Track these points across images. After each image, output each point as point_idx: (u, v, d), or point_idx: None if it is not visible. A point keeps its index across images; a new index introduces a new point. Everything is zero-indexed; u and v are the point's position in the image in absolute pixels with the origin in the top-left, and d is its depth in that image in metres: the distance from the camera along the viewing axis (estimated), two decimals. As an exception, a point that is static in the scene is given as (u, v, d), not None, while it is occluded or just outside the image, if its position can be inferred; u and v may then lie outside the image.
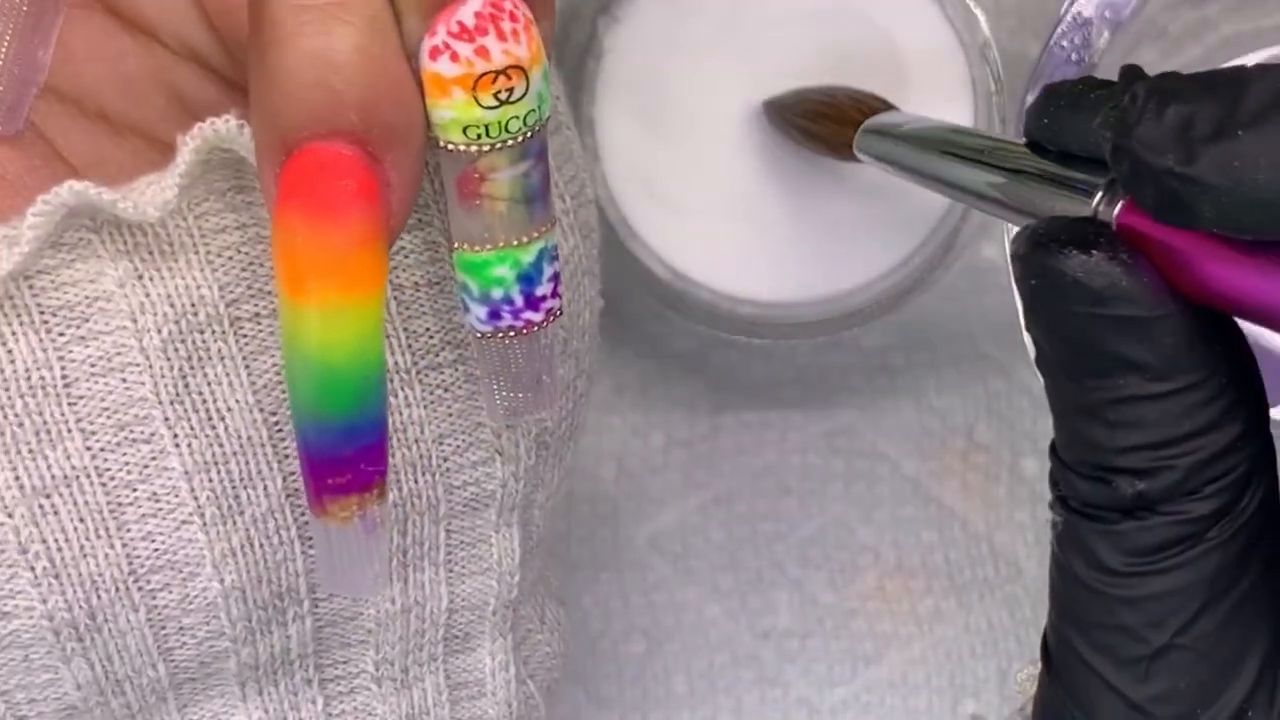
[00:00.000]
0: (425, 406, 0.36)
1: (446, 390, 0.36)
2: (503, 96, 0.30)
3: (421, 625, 0.38)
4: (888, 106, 0.44)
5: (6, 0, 0.32)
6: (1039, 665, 0.34)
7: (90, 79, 0.36)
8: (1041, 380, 0.34)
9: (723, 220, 0.48)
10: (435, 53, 0.30)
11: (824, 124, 0.44)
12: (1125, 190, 0.31)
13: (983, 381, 0.51)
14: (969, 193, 0.36)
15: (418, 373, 0.35)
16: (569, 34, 0.47)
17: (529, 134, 0.31)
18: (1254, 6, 0.45)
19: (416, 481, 0.36)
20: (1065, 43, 0.42)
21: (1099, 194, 0.32)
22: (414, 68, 0.31)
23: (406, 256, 0.35)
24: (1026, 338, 0.43)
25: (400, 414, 0.35)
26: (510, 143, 0.31)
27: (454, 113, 0.31)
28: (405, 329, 0.35)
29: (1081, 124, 0.32)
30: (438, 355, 0.35)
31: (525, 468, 0.37)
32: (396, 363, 0.35)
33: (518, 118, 0.31)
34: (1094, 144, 0.32)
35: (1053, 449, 0.33)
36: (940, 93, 0.47)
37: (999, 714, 0.50)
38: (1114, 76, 0.32)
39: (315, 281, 0.30)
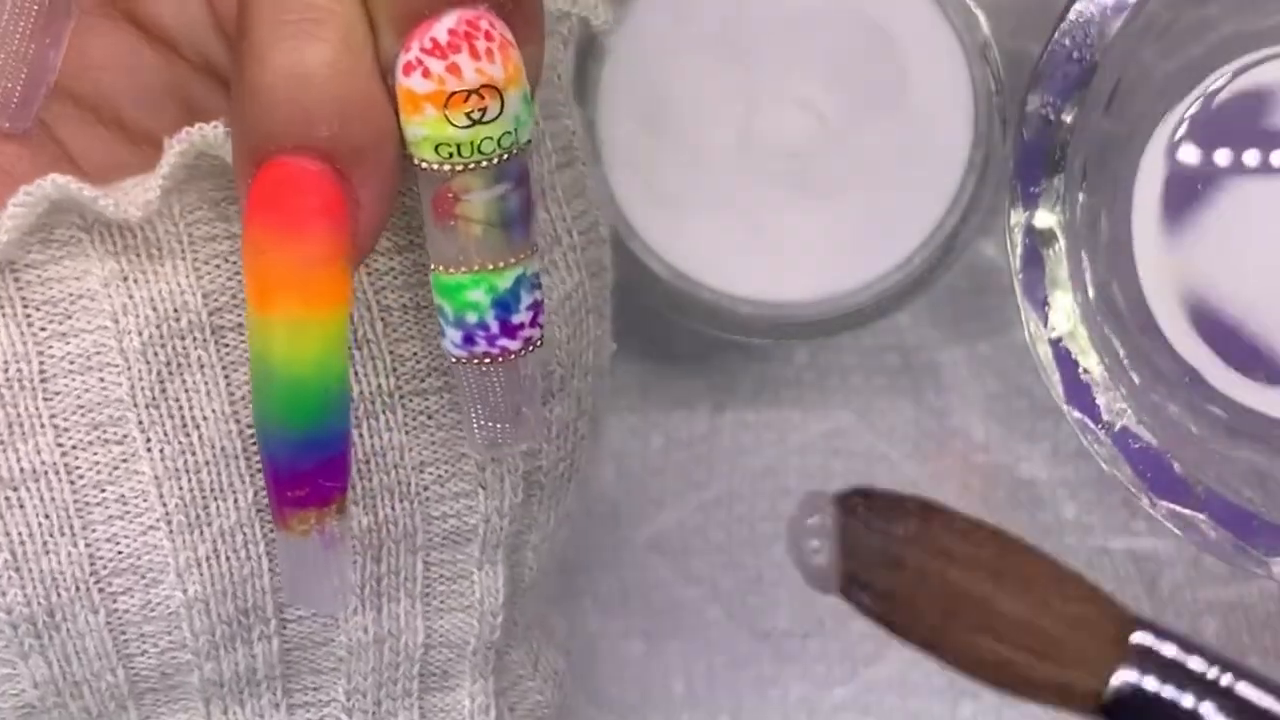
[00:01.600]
0: (407, 432, 0.35)
1: (430, 417, 0.36)
2: (475, 116, 0.30)
3: (396, 658, 0.37)
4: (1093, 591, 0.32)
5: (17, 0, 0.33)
6: None
7: (108, 86, 0.36)
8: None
9: (723, 220, 0.48)
10: (409, 69, 0.30)
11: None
12: None
13: (982, 382, 0.51)
14: None
15: (401, 397, 0.35)
16: (569, 34, 0.47)
17: (504, 156, 0.31)
18: (1254, 6, 0.45)
19: (393, 508, 0.36)
20: (1066, 41, 0.42)
21: None
22: (389, 84, 0.31)
23: (395, 279, 0.35)
24: (1027, 337, 0.43)
25: (380, 438, 0.35)
26: (484, 164, 0.31)
27: (426, 130, 0.31)
28: (391, 352, 0.35)
29: None
30: (423, 381, 0.35)
31: (511, 504, 0.37)
32: (380, 385, 0.35)
33: (491, 138, 0.31)
34: None
35: None
36: (940, 93, 0.47)
37: (998, 714, 0.50)
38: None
39: (279, 296, 0.30)
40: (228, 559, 0.35)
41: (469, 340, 0.32)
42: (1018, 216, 0.43)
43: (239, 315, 0.34)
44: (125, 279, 0.33)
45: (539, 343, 0.33)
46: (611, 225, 0.42)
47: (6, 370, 0.33)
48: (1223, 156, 0.45)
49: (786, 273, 0.48)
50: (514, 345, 0.32)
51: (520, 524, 0.38)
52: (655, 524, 0.51)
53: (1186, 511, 0.43)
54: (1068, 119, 0.42)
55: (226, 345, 0.34)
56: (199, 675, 0.35)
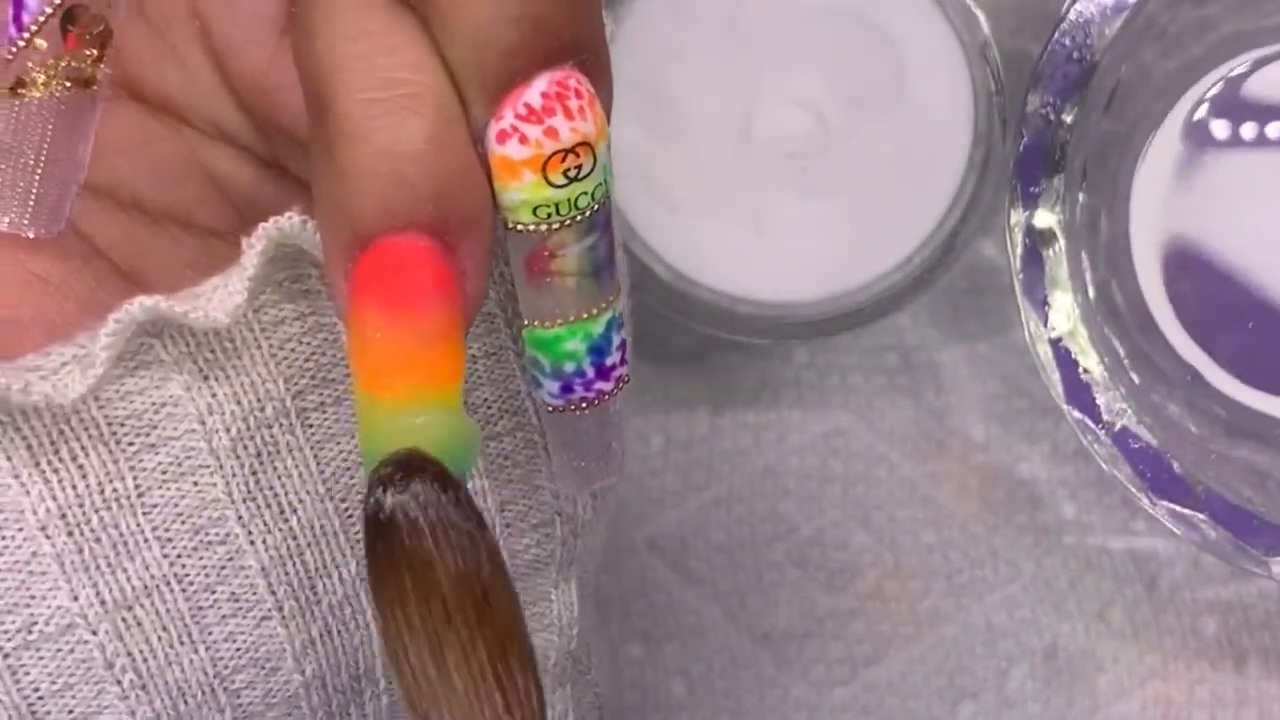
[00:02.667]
0: (488, 476, 0.36)
1: (507, 458, 0.36)
2: (572, 174, 0.30)
3: None
4: None
5: (43, 98, 0.32)
6: None
7: (121, 169, 0.35)
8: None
9: (723, 220, 0.48)
10: (503, 136, 0.30)
11: None
12: None
13: (982, 383, 0.51)
14: None
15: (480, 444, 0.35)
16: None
17: (597, 208, 0.31)
18: (1254, 6, 0.45)
19: None
20: (1066, 41, 0.42)
21: None
22: (479, 152, 0.30)
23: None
24: (1027, 337, 0.43)
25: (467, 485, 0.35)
26: (579, 218, 0.31)
27: (524, 195, 0.30)
28: (466, 401, 0.35)
29: None
30: (497, 424, 0.35)
31: (581, 523, 0.37)
32: None
33: (586, 193, 0.30)
34: None
35: None
36: (940, 93, 0.47)
37: (998, 715, 0.50)
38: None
39: (395, 377, 0.29)
40: (339, 633, 0.35)
41: (567, 390, 0.32)
42: (1018, 216, 0.43)
43: (320, 395, 0.34)
44: (206, 379, 0.33)
45: (628, 379, 0.33)
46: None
47: (103, 492, 0.32)
48: (1223, 156, 0.45)
49: (786, 273, 0.48)
50: (608, 386, 0.32)
51: (584, 537, 0.38)
52: (655, 524, 0.51)
53: (1186, 511, 0.43)
54: (1068, 119, 0.42)
55: (311, 426, 0.34)
56: None
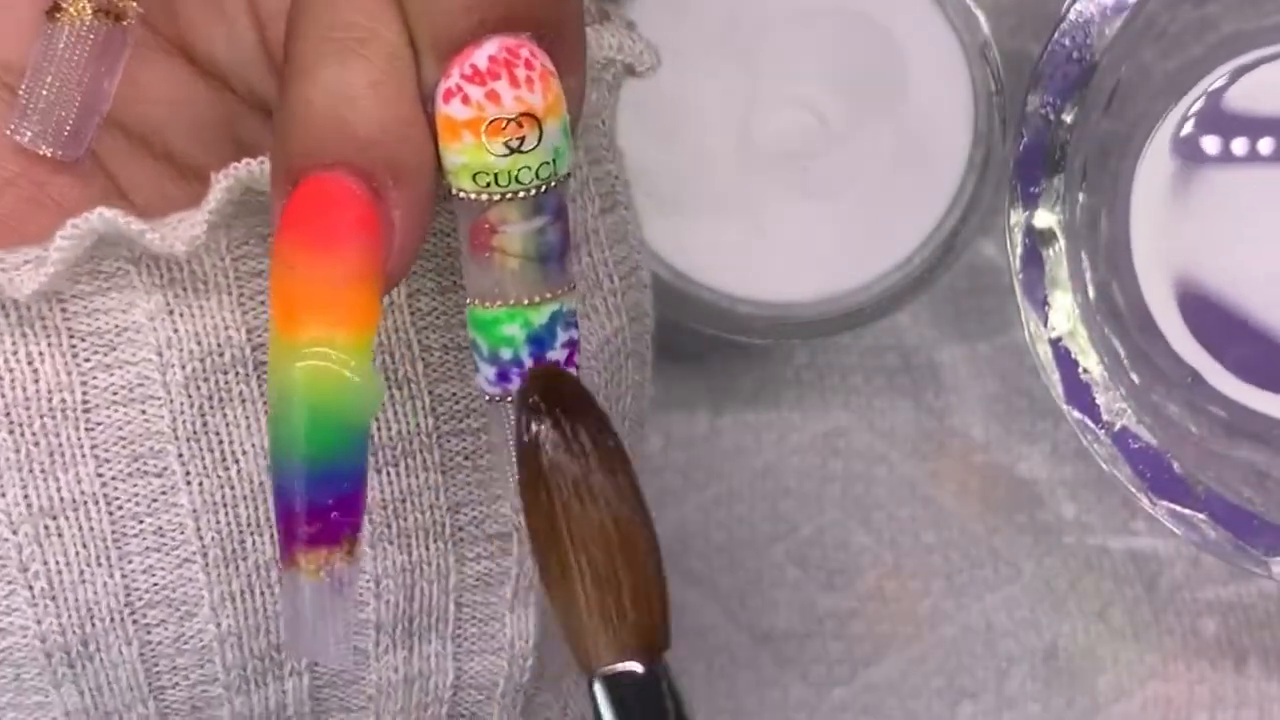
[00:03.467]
0: (443, 473, 0.35)
1: (467, 458, 0.35)
2: (513, 144, 0.30)
3: (425, 698, 0.37)
4: None
5: (73, 26, 0.33)
6: None
7: (159, 120, 0.36)
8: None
9: (723, 220, 0.48)
10: (448, 95, 0.30)
11: None
12: None
13: (981, 383, 0.51)
14: None
15: (439, 437, 0.35)
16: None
17: (542, 187, 0.31)
18: (1254, 6, 0.45)
19: (427, 548, 0.36)
20: (1066, 41, 0.42)
21: None
22: (429, 112, 0.30)
23: (437, 319, 0.35)
24: (1027, 337, 0.43)
25: (417, 477, 0.35)
26: (521, 194, 0.31)
27: (464, 158, 0.30)
28: (430, 392, 0.35)
29: None
30: (461, 421, 0.35)
31: None
32: (419, 425, 0.35)
33: (529, 168, 0.30)
34: None
35: None
36: (940, 93, 0.47)
37: (998, 715, 0.50)
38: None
39: (307, 315, 0.30)
40: (262, 594, 0.35)
41: (503, 377, 0.32)
42: (1018, 216, 0.43)
43: None
44: (171, 312, 0.33)
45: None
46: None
47: (50, 399, 0.33)
48: (1223, 155, 0.45)
49: (786, 273, 0.48)
50: None
51: None
52: (655, 524, 0.51)
53: (1186, 511, 0.43)
54: (1068, 119, 0.42)
55: (266, 381, 0.34)
56: (229, 710, 0.35)
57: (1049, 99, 0.43)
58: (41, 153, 0.33)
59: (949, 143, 0.47)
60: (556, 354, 0.32)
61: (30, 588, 0.33)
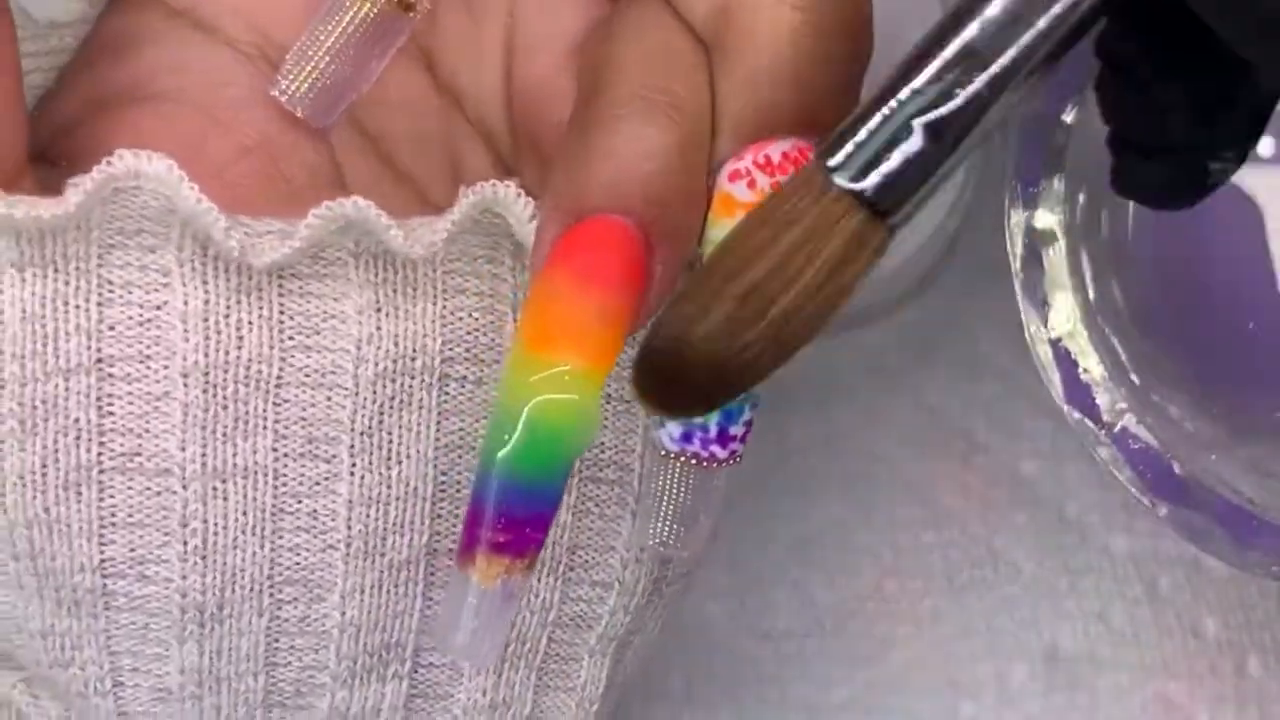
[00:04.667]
0: (573, 514, 0.36)
1: (597, 505, 0.37)
2: None
3: None
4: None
5: (366, 3, 0.34)
6: None
7: (392, 125, 0.37)
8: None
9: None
10: (735, 176, 0.32)
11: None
12: None
13: (982, 383, 0.51)
14: None
15: (578, 480, 0.36)
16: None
17: None
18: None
19: (540, 579, 0.37)
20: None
21: None
22: (708, 184, 0.32)
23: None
24: (1027, 337, 0.43)
25: None
26: None
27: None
28: None
29: None
30: (601, 470, 0.36)
31: (637, 604, 0.38)
32: None
33: None
34: None
35: None
36: (940, 93, 0.47)
37: (998, 715, 0.50)
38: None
39: (557, 340, 0.31)
40: (389, 592, 0.35)
41: (687, 438, 0.33)
42: (1018, 216, 0.43)
43: (465, 369, 0.35)
44: (378, 310, 0.34)
45: (739, 459, 0.34)
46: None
47: (248, 369, 0.34)
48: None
49: (786, 273, 0.48)
50: (722, 454, 0.34)
51: (635, 623, 0.39)
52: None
53: (1187, 512, 0.43)
54: (1068, 119, 0.43)
55: (448, 394, 0.35)
56: (329, 701, 0.36)
57: (1049, 99, 0.43)
58: (296, 114, 0.34)
59: (949, 143, 0.47)
60: (738, 429, 0.34)
61: (185, 544, 0.34)
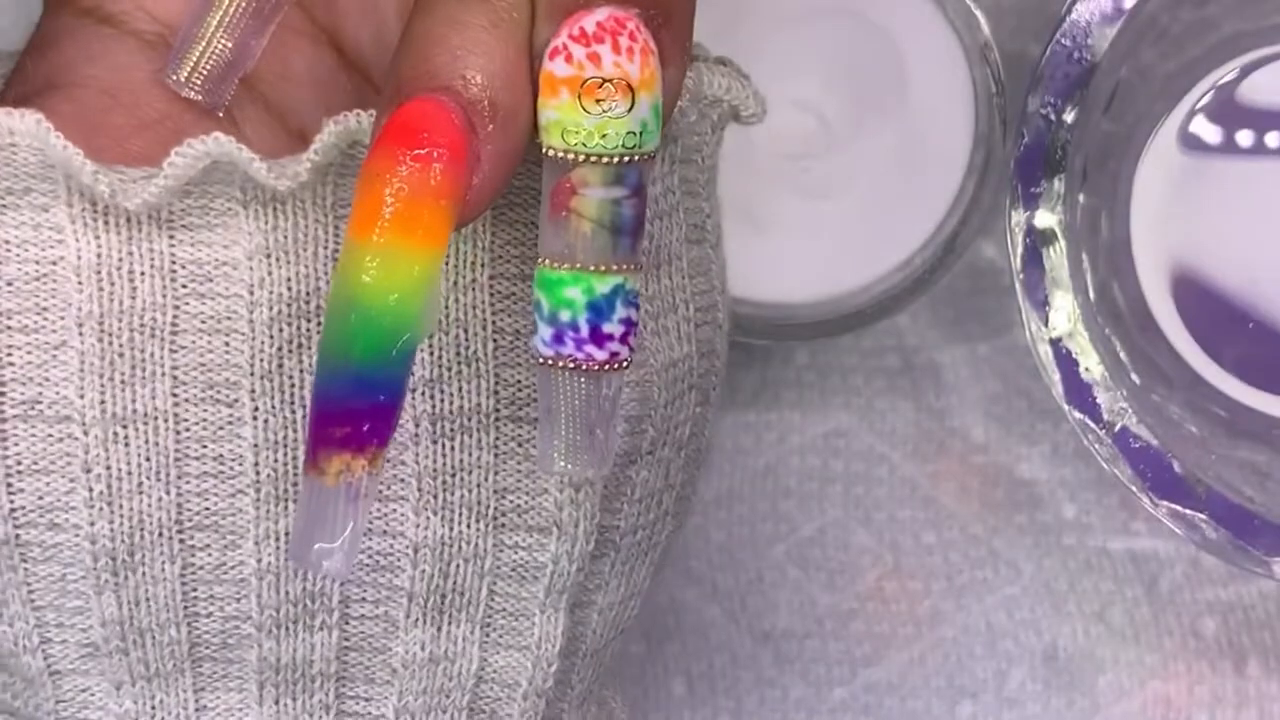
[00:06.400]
0: (496, 454, 0.36)
1: (520, 445, 0.36)
2: (605, 106, 0.32)
3: (448, 684, 0.38)
4: None
5: None
6: None
7: (300, 100, 0.37)
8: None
9: (723, 220, 0.48)
10: (554, 54, 0.32)
11: None
12: None
13: (981, 384, 0.51)
14: None
15: (497, 420, 0.36)
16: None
17: (626, 156, 0.32)
18: (1254, 6, 0.45)
19: (468, 526, 0.36)
20: (1066, 42, 0.42)
21: None
22: (533, 69, 0.32)
23: (514, 303, 0.36)
24: (1027, 336, 0.44)
25: (470, 454, 0.36)
26: (605, 158, 0.32)
27: (558, 114, 0.32)
28: (495, 374, 0.36)
29: None
30: (520, 408, 0.36)
31: (582, 552, 0.37)
32: (480, 404, 0.36)
33: (615, 133, 0.32)
34: None
35: None
36: (940, 93, 0.47)
37: (998, 715, 0.50)
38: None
39: (381, 221, 0.31)
40: None
41: (558, 339, 0.33)
42: (1018, 217, 0.43)
43: None
44: (269, 256, 0.35)
45: (625, 364, 0.33)
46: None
47: (143, 316, 0.34)
48: (1229, 151, 0.45)
49: (787, 274, 0.48)
50: (599, 355, 0.33)
51: (590, 579, 0.38)
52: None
53: (1186, 511, 0.43)
54: (1068, 119, 0.43)
55: None
56: (257, 653, 0.36)
57: (1049, 100, 0.43)
58: (186, 95, 0.35)
59: (949, 144, 0.47)
60: (613, 327, 0.33)
61: (90, 489, 0.35)
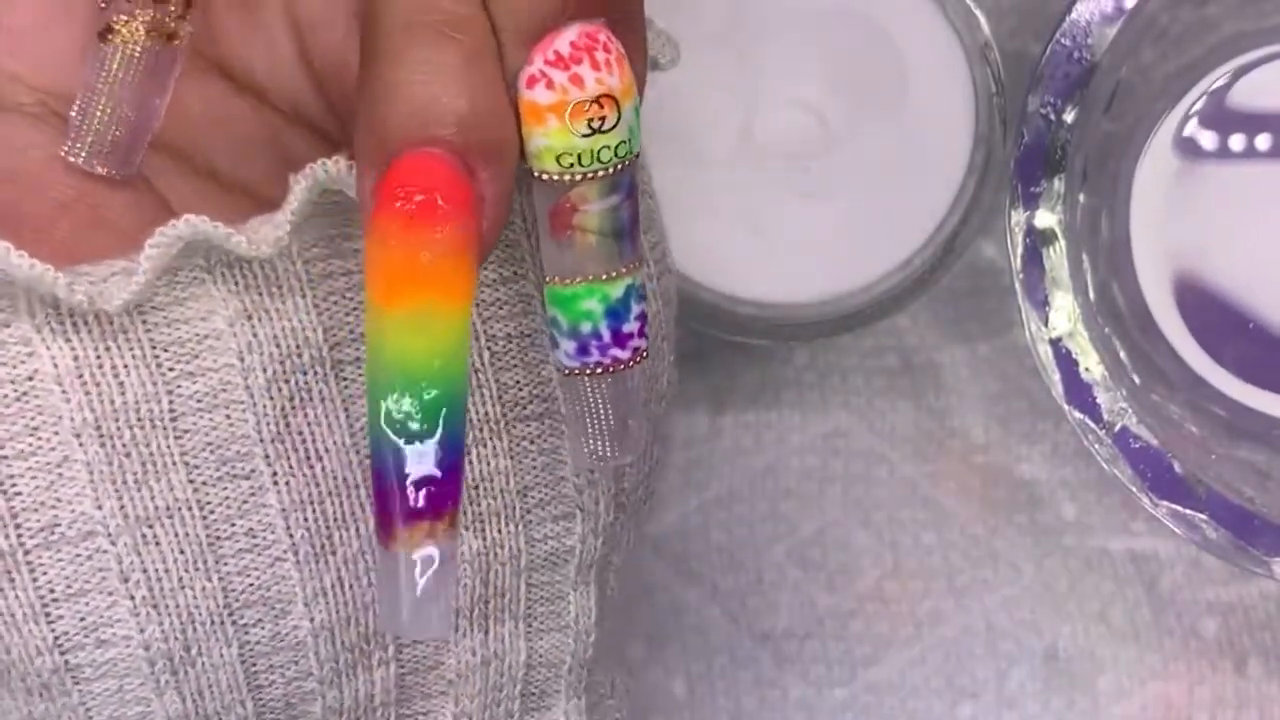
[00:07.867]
0: (511, 458, 0.36)
1: (532, 443, 0.36)
2: (595, 125, 0.31)
3: (500, 680, 0.38)
4: None
5: (126, 47, 0.34)
6: None
7: (203, 138, 0.36)
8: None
9: (723, 221, 0.48)
10: (532, 81, 0.31)
11: None
12: None
13: (981, 384, 0.51)
14: None
15: (506, 424, 0.36)
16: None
17: (620, 165, 0.32)
18: (1254, 6, 0.45)
19: (500, 531, 0.36)
20: (1066, 42, 0.42)
21: None
22: (511, 98, 0.32)
23: (500, 309, 0.35)
24: (1027, 336, 0.44)
25: (488, 464, 0.36)
26: (602, 173, 0.32)
27: (549, 140, 0.31)
28: (496, 380, 0.36)
29: None
30: (525, 408, 0.36)
31: (603, 525, 0.37)
32: (487, 413, 0.36)
33: (609, 147, 0.32)
34: None
35: None
36: (940, 93, 0.47)
37: (998, 715, 0.50)
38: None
39: (406, 288, 0.30)
40: (351, 586, 0.35)
41: (583, 350, 0.33)
42: (1018, 217, 0.43)
43: (357, 350, 0.34)
44: (250, 317, 0.33)
45: (645, 354, 0.33)
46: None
47: (138, 410, 0.33)
48: (1223, 156, 0.45)
49: (786, 274, 0.48)
50: (624, 355, 0.33)
51: (608, 545, 0.38)
52: (655, 524, 0.51)
53: (1186, 511, 0.43)
54: (1068, 119, 0.43)
55: (346, 379, 0.34)
56: (321, 705, 0.36)
57: (1049, 100, 0.43)
58: (97, 172, 0.34)
59: (949, 143, 0.47)
60: (631, 326, 0.33)
61: (131, 597, 0.34)
